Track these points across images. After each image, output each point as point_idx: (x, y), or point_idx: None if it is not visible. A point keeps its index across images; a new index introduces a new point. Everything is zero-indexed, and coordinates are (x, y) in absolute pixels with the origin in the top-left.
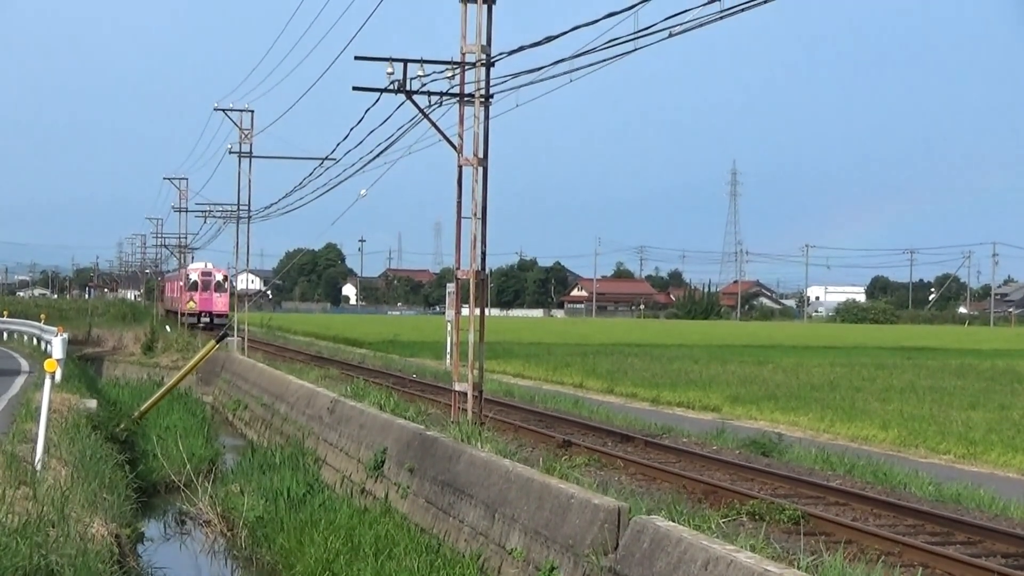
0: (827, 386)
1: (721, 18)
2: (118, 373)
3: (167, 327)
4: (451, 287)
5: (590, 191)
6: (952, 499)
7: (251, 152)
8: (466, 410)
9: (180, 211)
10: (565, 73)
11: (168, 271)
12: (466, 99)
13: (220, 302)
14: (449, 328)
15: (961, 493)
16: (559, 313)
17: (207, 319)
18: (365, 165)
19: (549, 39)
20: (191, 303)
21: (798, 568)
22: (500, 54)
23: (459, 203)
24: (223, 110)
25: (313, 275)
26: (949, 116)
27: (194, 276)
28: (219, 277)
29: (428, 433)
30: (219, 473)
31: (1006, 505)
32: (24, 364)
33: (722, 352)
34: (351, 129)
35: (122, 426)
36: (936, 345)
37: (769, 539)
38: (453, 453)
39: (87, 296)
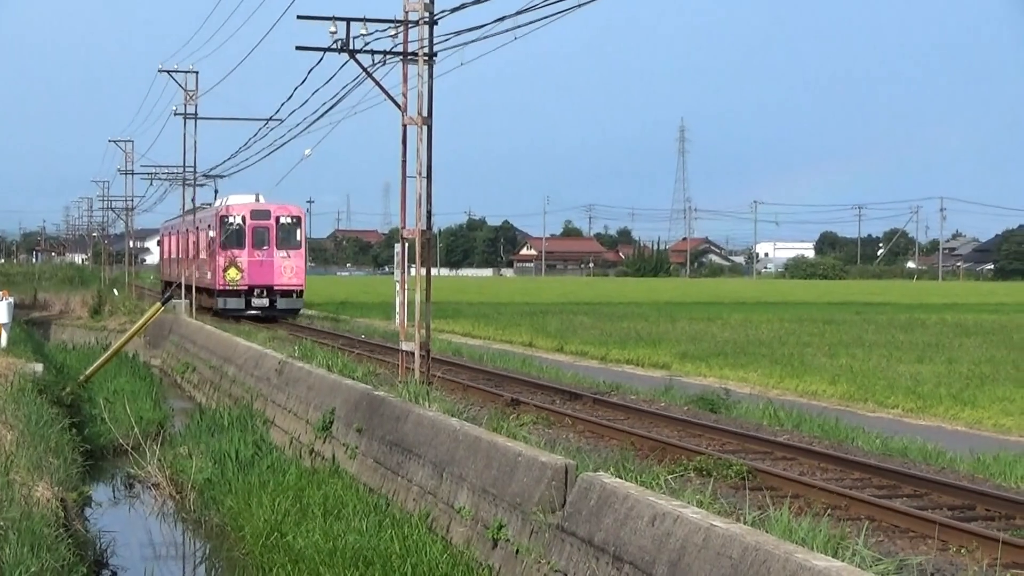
0: (776, 342)
1: None
2: (65, 337)
3: (114, 290)
4: (398, 247)
5: (538, 150)
6: (899, 453)
7: (196, 114)
8: (414, 370)
9: (126, 174)
10: (509, 30)
11: (173, 218)
12: (410, 58)
13: (289, 267)
14: (397, 288)
15: (908, 446)
16: (508, 272)
17: (264, 301)
18: (310, 125)
19: None
20: (232, 270)
21: (744, 523)
22: (443, 12)
23: (404, 162)
24: (168, 71)
25: None
26: (896, 71)
27: (236, 218)
28: (286, 218)
29: (376, 393)
30: (167, 436)
31: (952, 458)
32: None
33: (671, 309)
34: (295, 89)
35: (68, 390)
36: (884, 300)
37: (716, 495)
38: (401, 413)
39: (34, 260)
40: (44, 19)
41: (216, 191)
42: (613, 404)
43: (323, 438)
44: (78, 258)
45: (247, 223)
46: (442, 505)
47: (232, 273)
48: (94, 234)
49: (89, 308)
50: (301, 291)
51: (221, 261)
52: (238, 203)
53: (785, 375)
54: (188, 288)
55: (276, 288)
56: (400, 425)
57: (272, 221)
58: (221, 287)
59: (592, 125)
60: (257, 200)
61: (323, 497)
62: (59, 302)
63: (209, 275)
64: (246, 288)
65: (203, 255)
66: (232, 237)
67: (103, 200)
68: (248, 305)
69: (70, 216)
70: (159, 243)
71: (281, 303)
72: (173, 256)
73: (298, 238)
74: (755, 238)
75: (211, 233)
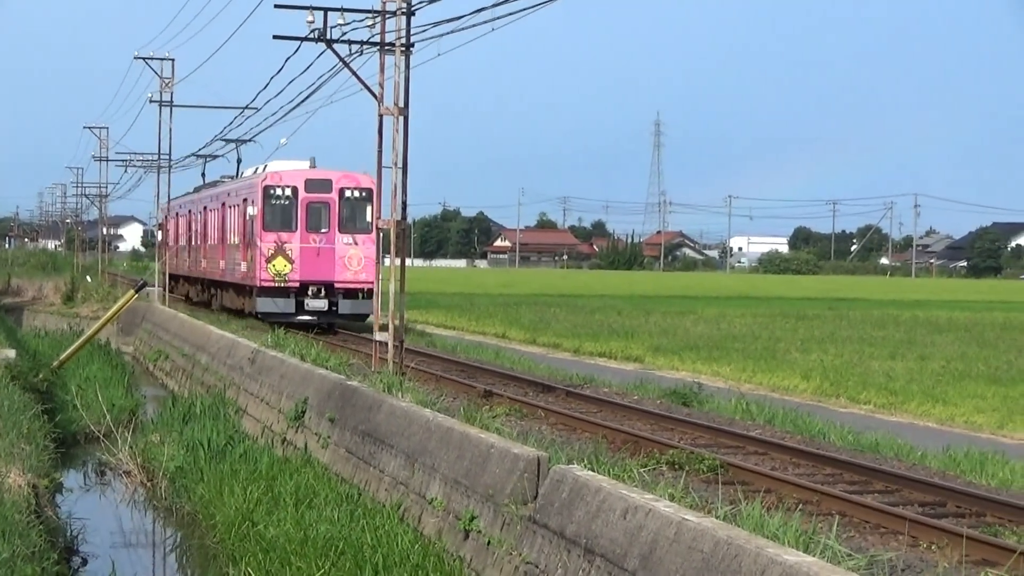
0: (749, 336)
1: None
2: (38, 323)
3: (87, 277)
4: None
5: (513, 141)
6: (870, 448)
7: (172, 101)
8: (387, 360)
9: (100, 160)
10: (486, 22)
11: (185, 194)
12: (387, 48)
13: (356, 257)
14: None
15: (880, 442)
16: (482, 263)
17: (322, 303)
18: (286, 114)
19: None
20: (280, 260)
21: (716, 517)
22: (421, 3)
23: (379, 152)
24: (144, 59)
25: None
26: (872, 67)
27: (285, 190)
28: (352, 191)
29: (349, 383)
30: (140, 423)
31: (924, 454)
32: None
33: (645, 303)
34: (271, 78)
35: (41, 376)
36: (858, 296)
37: (688, 488)
38: (373, 403)
39: (7, 246)
40: (18, 4)
41: (239, 160)
42: (586, 397)
43: (295, 427)
44: (51, 244)
45: (299, 197)
46: (414, 496)
47: (279, 264)
48: (67, 220)
49: (62, 295)
50: (371, 290)
51: (264, 248)
52: (286, 170)
53: (758, 370)
54: (180, 281)
55: (338, 286)
56: (373, 415)
57: (334, 195)
58: (263, 283)
59: (567, 118)
60: (312, 167)
61: (295, 486)
62: (32, 288)
63: (243, 267)
64: (297, 285)
65: (234, 239)
66: (278, 216)
67: (77, 187)
68: (300, 308)
69: (44, 202)
70: (161, 227)
71: (344, 306)
72: (185, 242)
73: (368, 218)
74: (729, 232)
75: (250, 210)
